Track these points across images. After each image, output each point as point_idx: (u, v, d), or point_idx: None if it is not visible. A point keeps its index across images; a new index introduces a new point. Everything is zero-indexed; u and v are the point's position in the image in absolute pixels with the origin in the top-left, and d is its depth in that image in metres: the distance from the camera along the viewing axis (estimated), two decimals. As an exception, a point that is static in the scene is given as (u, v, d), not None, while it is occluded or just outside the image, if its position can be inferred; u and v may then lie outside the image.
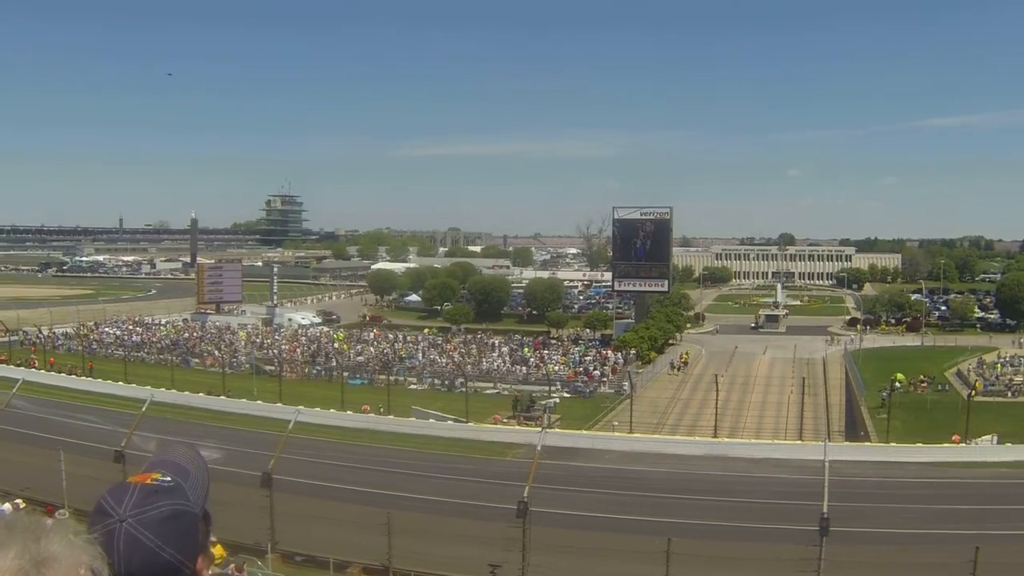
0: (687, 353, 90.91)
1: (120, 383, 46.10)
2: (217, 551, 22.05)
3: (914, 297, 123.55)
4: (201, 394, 44.69)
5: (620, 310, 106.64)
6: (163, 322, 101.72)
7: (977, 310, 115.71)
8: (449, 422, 45.93)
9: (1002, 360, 76.77)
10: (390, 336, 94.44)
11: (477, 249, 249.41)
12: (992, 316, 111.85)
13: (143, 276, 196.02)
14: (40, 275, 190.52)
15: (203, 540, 2.26)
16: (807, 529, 22.43)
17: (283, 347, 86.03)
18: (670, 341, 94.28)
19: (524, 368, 77.73)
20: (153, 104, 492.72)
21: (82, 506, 24.05)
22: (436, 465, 34.84)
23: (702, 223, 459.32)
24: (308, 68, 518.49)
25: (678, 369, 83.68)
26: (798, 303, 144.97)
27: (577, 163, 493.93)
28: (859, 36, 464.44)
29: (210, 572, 2.31)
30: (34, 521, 1.82)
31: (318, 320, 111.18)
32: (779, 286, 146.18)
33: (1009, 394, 65.43)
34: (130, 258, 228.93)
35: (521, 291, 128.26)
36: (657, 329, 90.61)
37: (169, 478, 2.22)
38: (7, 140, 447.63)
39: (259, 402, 44.99)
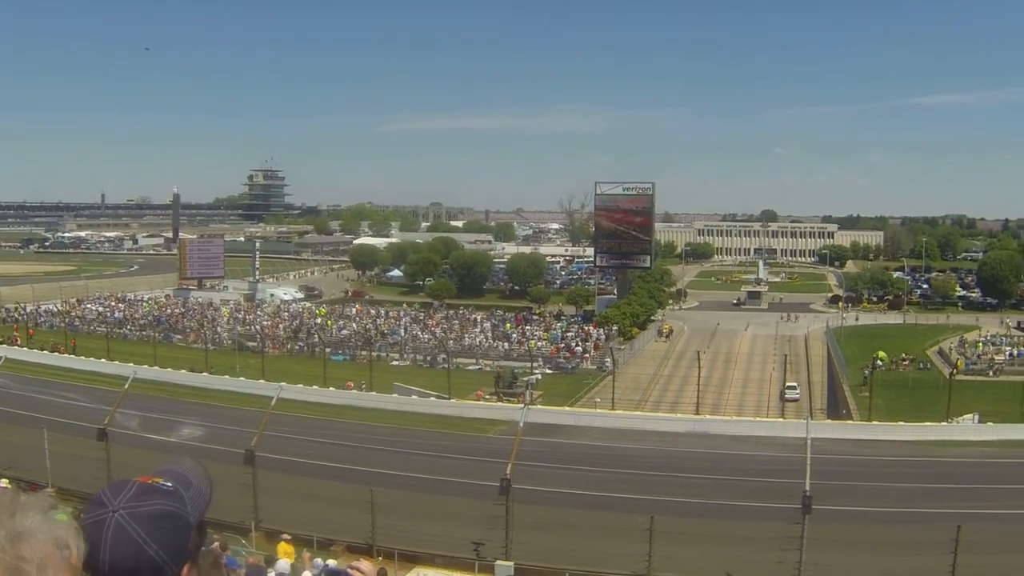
0: (670, 325, 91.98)
1: (103, 360, 45.84)
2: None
3: (896, 275, 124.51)
4: (183, 371, 44.35)
5: (602, 286, 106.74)
6: (145, 298, 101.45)
7: (959, 288, 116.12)
8: (431, 398, 46.02)
9: (984, 339, 77.27)
10: (372, 312, 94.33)
11: (459, 224, 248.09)
12: (974, 295, 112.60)
13: (125, 252, 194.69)
14: (22, 251, 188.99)
15: (193, 549, 2.29)
16: (789, 507, 22.57)
17: (265, 323, 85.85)
18: (652, 318, 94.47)
19: (506, 344, 77.86)
20: (134, 80, 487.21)
21: (66, 484, 24.00)
22: (418, 442, 34.88)
23: (685, 199, 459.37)
24: (290, 44, 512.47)
25: (666, 337, 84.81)
26: (780, 280, 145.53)
27: (560, 138, 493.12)
28: (845, 15, 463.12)
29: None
30: (8, 496, 1.87)
31: (300, 296, 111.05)
32: (761, 263, 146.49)
33: (990, 373, 65.95)
34: (112, 234, 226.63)
35: (503, 266, 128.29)
36: (639, 305, 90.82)
37: (170, 483, 2.27)
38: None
39: (241, 379, 45.04)
